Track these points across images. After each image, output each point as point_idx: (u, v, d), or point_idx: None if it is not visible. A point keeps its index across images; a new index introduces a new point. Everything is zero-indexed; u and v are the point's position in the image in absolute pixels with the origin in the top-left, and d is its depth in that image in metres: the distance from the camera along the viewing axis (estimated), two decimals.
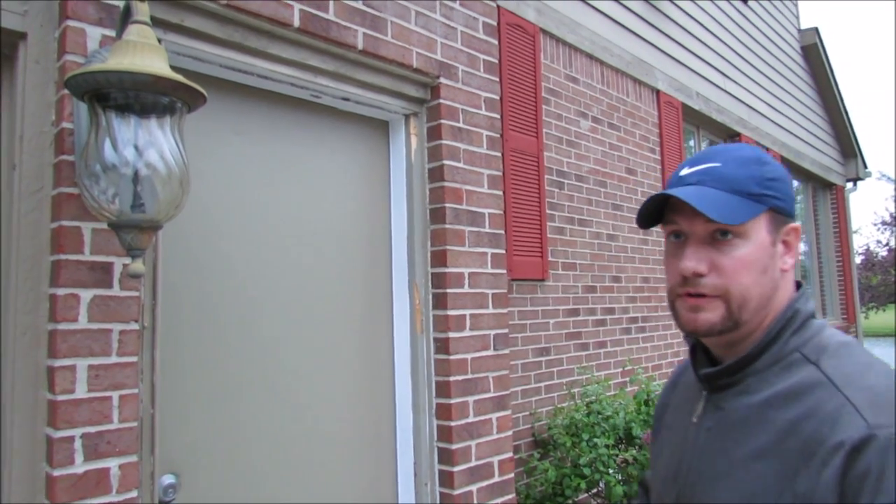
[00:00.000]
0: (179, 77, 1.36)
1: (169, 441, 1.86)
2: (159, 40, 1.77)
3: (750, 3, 7.39)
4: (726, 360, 0.98)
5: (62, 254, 1.58)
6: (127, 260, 1.65)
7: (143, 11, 1.43)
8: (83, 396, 1.57)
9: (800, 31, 8.97)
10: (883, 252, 21.49)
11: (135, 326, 1.67)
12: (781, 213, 0.97)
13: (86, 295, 1.60)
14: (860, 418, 0.81)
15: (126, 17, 1.51)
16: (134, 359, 1.67)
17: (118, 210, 1.40)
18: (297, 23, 2.09)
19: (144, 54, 1.37)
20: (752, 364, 0.95)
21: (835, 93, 9.37)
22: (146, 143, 1.39)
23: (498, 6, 3.73)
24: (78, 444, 1.56)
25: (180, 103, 1.44)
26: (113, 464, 1.60)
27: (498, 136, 2.80)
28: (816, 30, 8.88)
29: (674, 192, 0.95)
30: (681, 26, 5.78)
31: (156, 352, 1.77)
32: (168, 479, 1.84)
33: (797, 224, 0.99)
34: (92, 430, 1.58)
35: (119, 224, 1.42)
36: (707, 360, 1.04)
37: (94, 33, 1.65)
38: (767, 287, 0.94)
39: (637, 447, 3.26)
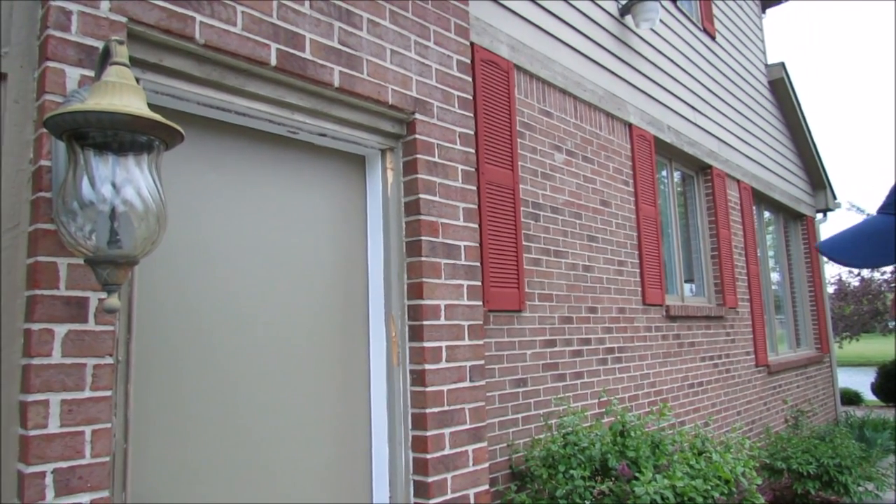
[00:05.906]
0: (157, 116, 1.40)
1: (141, 476, 1.86)
2: (138, 80, 1.82)
3: (717, 38, 7.62)
4: None
5: (37, 289, 1.59)
6: (102, 294, 1.67)
7: (121, 53, 1.47)
8: (55, 431, 1.57)
9: (767, 65, 9.25)
10: (855, 282, 21.78)
11: (109, 361, 1.68)
12: None
13: (60, 330, 1.61)
14: None
15: (105, 58, 1.55)
16: (108, 393, 1.67)
17: (95, 246, 1.43)
18: (273, 61, 2.15)
19: (123, 94, 1.41)
20: None
21: (802, 125, 9.64)
22: (123, 181, 1.43)
23: (472, 43, 3.83)
24: (49, 479, 1.55)
25: (158, 141, 1.47)
26: (85, 499, 1.60)
27: (473, 169, 2.87)
28: (783, 64, 9.17)
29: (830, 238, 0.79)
30: (651, 62, 5.95)
31: (130, 386, 1.78)
32: None
33: None
34: (64, 465, 1.58)
35: (95, 260, 1.45)
36: None
37: (74, 73, 1.69)
38: None
39: (613, 479, 3.27)
